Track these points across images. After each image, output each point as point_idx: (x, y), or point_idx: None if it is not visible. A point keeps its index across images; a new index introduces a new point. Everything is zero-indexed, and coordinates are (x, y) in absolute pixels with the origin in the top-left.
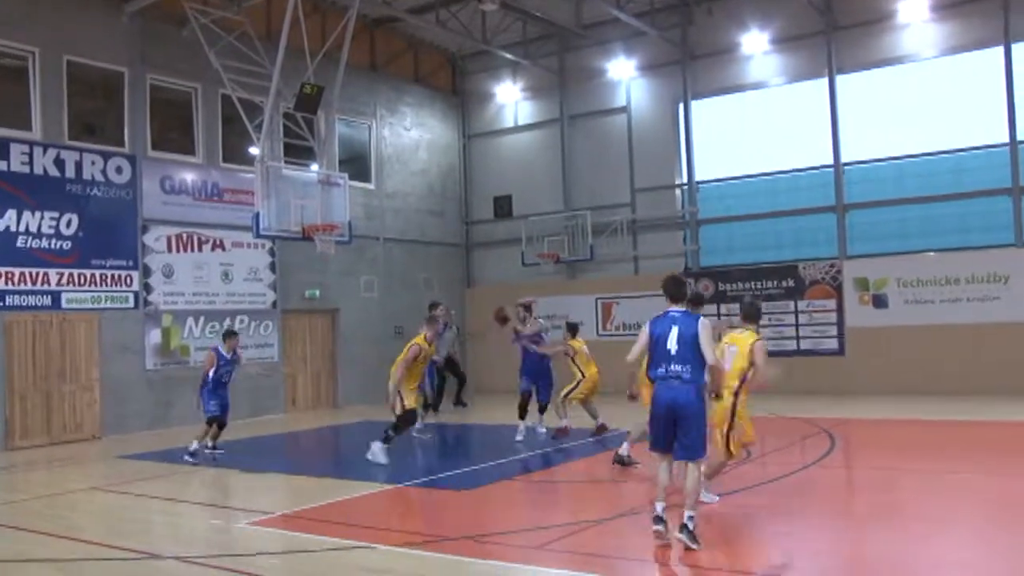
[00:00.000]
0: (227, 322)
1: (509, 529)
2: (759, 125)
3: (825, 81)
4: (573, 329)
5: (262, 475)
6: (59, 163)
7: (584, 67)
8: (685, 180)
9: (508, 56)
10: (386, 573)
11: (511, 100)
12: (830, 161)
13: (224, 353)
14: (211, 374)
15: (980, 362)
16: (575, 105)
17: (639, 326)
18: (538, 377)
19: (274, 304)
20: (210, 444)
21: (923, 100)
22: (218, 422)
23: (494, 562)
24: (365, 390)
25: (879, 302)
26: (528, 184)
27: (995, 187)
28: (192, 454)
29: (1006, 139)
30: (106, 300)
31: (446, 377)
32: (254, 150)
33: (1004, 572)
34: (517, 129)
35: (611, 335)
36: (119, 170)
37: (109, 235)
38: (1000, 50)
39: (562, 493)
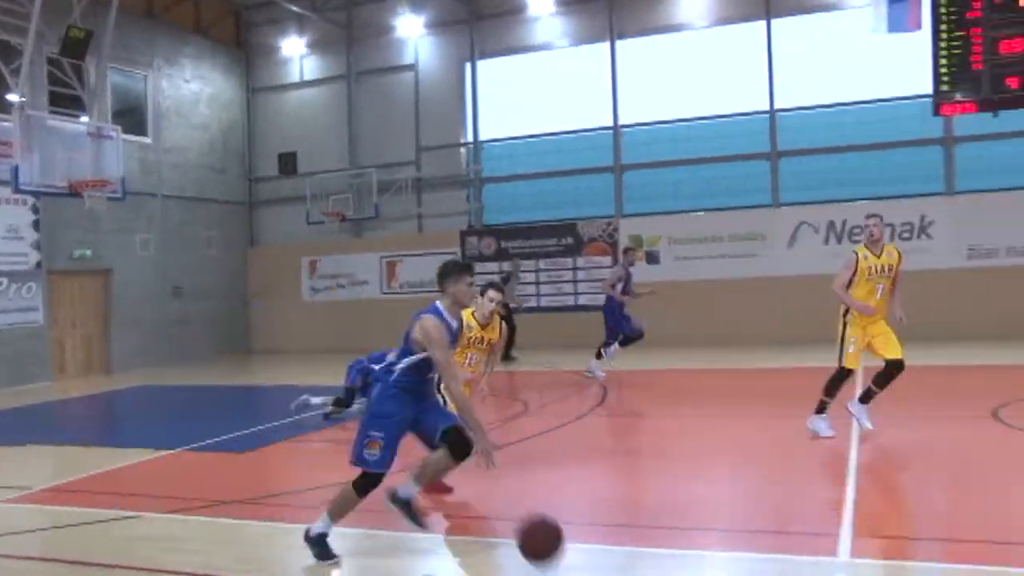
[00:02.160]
0: None
1: (290, 489)
2: (544, 86)
3: (607, 45)
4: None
5: (23, 448)
6: None
7: (372, 23)
8: (470, 139)
9: (294, 9)
10: (160, 541)
11: (297, 54)
12: (610, 123)
13: None
14: None
15: (741, 314)
16: (362, 61)
17: (423, 284)
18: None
19: (38, 264)
20: None
21: (695, 68)
22: None
23: (272, 523)
24: (142, 353)
25: (652, 258)
26: (314, 141)
27: (755, 151)
28: None
29: (767, 107)
30: None
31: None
32: (12, 97)
33: (749, 507)
34: (303, 84)
35: (395, 293)
36: None
37: None
38: (762, 24)
39: (346, 451)
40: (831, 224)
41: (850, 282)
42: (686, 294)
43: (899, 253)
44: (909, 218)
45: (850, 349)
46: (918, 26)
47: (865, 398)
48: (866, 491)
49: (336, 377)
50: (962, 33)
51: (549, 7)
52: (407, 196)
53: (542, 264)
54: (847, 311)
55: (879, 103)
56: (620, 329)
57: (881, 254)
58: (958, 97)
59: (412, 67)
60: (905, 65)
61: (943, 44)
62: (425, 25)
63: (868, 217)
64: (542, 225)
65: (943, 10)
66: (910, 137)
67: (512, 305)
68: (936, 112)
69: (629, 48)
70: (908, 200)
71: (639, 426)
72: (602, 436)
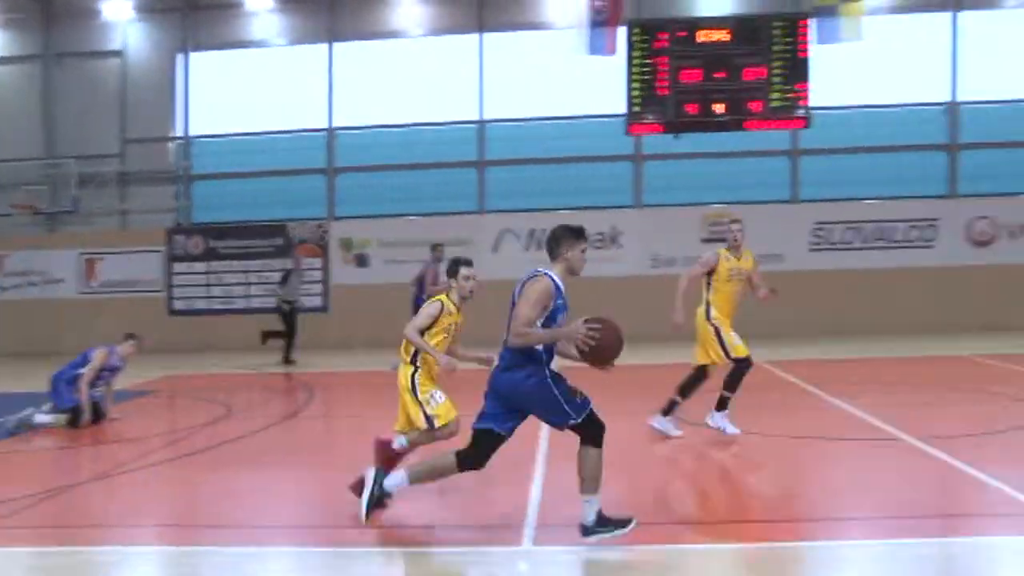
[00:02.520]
0: None
1: None
2: (260, 84)
3: (325, 46)
4: None
5: None
6: None
7: (74, 2)
8: (181, 133)
9: None
10: None
11: None
12: (325, 125)
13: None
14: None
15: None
16: (62, 42)
17: (126, 283)
18: None
19: None
20: None
21: (410, 74)
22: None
23: None
24: None
25: (361, 261)
26: (2, 125)
27: (464, 159)
28: None
29: (477, 117)
30: None
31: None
32: None
33: (446, 504)
34: None
35: (95, 292)
36: None
37: None
38: (475, 36)
39: (26, 463)
40: (532, 232)
41: (710, 283)
42: (395, 297)
43: (754, 259)
44: (601, 228)
45: (736, 341)
46: (614, 51)
47: (721, 405)
48: (552, 484)
49: (20, 382)
50: (651, 61)
51: (267, 3)
52: (110, 190)
53: (252, 265)
54: (709, 312)
55: (579, 119)
56: None
57: (741, 258)
58: (647, 119)
59: (119, 53)
60: (603, 86)
61: (635, 70)
62: (135, 9)
63: (732, 223)
64: (252, 225)
65: (635, 38)
66: (605, 153)
67: (295, 303)
68: (627, 131)
69: (347, 51)
70: (601, 211)
71: (348, 427)
72: (317, 437)
